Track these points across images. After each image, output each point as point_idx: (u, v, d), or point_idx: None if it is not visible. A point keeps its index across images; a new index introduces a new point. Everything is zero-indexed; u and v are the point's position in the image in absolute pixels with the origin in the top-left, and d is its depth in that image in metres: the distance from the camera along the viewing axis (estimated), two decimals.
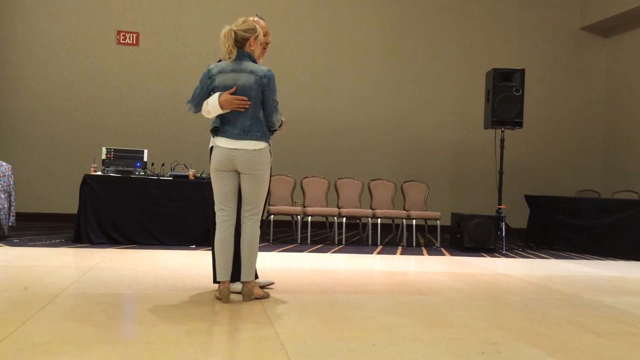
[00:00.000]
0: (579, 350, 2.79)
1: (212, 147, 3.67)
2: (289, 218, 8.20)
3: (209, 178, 3.73)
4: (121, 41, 9.64)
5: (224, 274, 3.56)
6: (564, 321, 3.40)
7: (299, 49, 10.07)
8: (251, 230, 3.61)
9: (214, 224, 3.67)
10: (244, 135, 3.55)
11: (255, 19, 3.90)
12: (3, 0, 9.33)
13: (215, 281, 3.82)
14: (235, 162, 3.56)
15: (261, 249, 3.82)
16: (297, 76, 10.03)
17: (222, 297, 3.55)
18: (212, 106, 3.55)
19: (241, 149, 3.54)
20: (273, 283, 4.19)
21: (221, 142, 3.57)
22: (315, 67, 10.25)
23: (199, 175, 6.96)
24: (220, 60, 3.71)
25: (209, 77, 3.61)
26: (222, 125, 3.59)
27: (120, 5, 9.65)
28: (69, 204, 8.38)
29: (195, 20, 9.75)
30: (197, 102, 3.65)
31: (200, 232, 6.53)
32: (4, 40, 9.32)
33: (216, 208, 3.65)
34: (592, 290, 4.65)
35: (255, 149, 3.56)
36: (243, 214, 3.64)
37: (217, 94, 3.55)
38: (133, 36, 9.65)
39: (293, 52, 10.00)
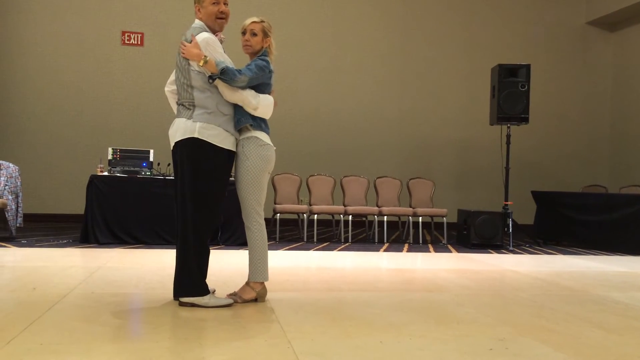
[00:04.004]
0: (587, 346, 2.77)
1: (252, 142, 3.45)
2: (295, 216, 8.20)
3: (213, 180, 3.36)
4: (126, 42, 9.67)
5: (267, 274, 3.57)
6: (572, 317, 3.39)
7: (303, 48, 10.06)
8: None
9: (205, 226, 3.38)
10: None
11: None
12: (8, 2, 9.37)
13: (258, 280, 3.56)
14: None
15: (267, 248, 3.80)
16: (302, 75, 10.03)
17: (263, 296, 3.57)
18: (267, 107, 3.46)
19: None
20: (214, 291, 3.73)
21: (269, 141, 3.53)
22: (319, 66, 10.24)
23: None
24: (265, 56, 3.54)
25: (269, 70, 3.51)
26: (262, 122, 3.52)
27: (125, 5, 9.67)
28: (76, 204, 8.41)
29: None
30: (252, 85, 3.40)
31: None
32: (10, 42, 9.36)
33: (257, 209, 3.47)
34: (600, 285, 4.62)
35: None
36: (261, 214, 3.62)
37: (271, 98, 3.50)
38: (138, 36, 9.67)
39: (297, 50, 9.99)
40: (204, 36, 3.33)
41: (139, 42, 9.68)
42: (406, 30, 10.57)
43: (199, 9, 3.44)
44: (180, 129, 3.34)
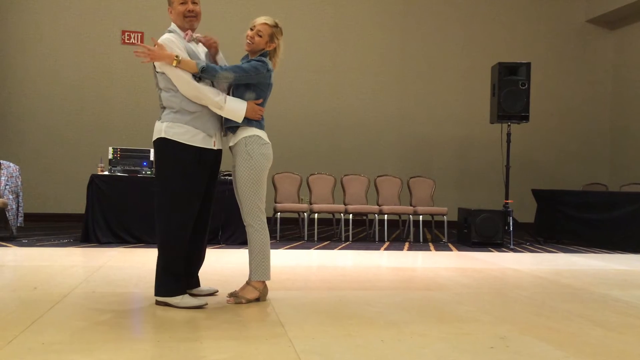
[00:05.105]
0: (587, 344, 2.77)
1: (254, 141, 3.42)
2: (295, 215, 8.20)
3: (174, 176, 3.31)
4: (126, 41, 9.66)
5: (269, 273, 3.56)
6: (572, 315, 3.39)
7: (302, 46, 10.05)
8: None
9: (180, 227, 3.36)
10: None
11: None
12: (8, 2, 9.37)
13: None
14: None
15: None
16: (302, 73, 10.02)
17: (265, 295, 3.57)
18: (234, 111, 3.35)
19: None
20: (216, 291, 3.76)
21: (268, 139, 3.52)
22: (319, 64, 10.24)
23: None
24: (264, 57, 3.51)
25: (267, 69, 3.46)
26: (262, 119, 3.50)
27: (125, 5, 9.67)
28: (77, 204, 8.41)
29: None
30: (243, 82, 3.39)
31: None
32: (10, 42, 9.36)
33: (261, 208, 3.46)
34: (601, 283, 4.63)
35: None
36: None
37: (244, 104, 3.37)
38: (138, 36, 9.67)
39: (297, 49, 9.98)
40: (162, 37, 3.33)
41: (138, 42, 9.67)
42: (406, 28, 10.56)
43: (170, 11, 3.45)
44: (154, 131, 3.40)
